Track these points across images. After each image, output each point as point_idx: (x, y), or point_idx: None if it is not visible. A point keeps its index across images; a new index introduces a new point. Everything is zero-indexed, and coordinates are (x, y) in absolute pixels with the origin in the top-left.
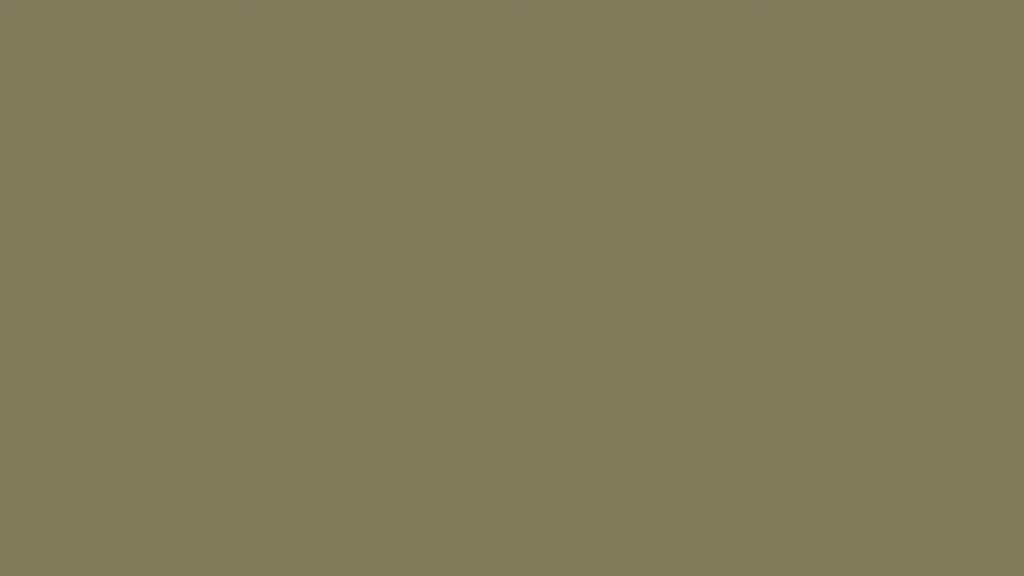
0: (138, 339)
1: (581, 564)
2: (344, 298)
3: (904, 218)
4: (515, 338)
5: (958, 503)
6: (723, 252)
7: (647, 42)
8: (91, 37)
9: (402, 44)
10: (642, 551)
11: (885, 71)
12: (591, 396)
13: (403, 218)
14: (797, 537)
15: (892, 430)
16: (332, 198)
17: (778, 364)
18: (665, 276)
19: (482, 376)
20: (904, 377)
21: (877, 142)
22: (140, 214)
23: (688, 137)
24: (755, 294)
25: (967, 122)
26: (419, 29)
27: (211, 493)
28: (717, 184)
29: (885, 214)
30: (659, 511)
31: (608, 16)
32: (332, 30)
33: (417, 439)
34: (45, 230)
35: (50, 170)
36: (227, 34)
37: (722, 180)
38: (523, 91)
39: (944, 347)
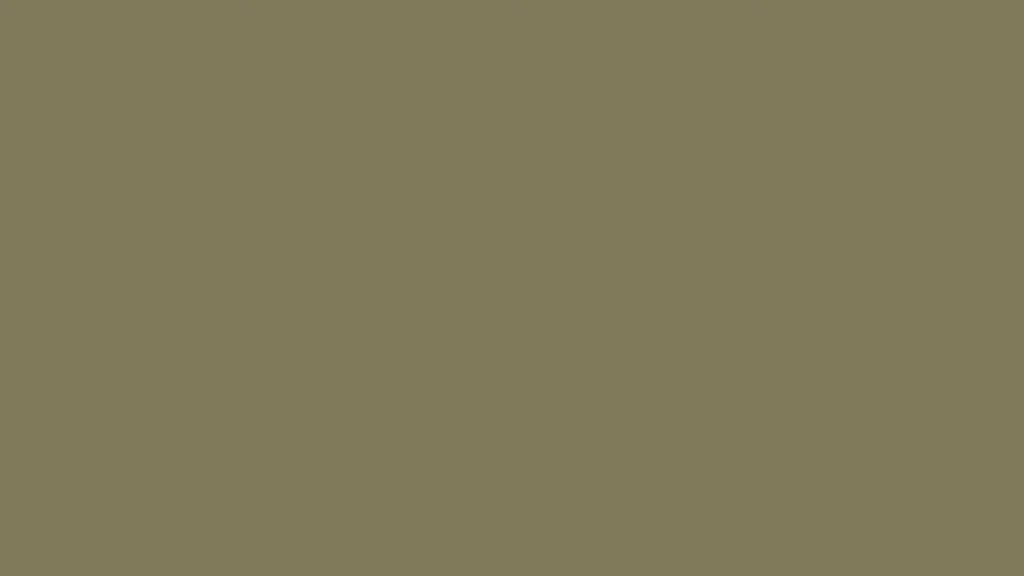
0: (138, 339)
1: (581, 564)
2: (344, 298)
3: (904, 218)
4: (515, 338)
5: (958, 503)
6: (723, 252)
7: (647, 42)
8: (91, 37)
9: (402, 44)
10: (642, 551)
11: (885, 71)
12: (591, 396)
13: (403, 218)
14: (797, 537)
15: (892, 431)
16: (332, 198)
17: (778, 365)
18: (665, 276)
19: (482, 377)
20: (904, 377)
21: (877, 142)
22: (140, 214)
23: (688, 137)
24: (755, 295)
25: (967, 122)
26: (419, 29)
27: (211, 493)
28: (717, 184)
29: (885, 214)
30: (659, 511)
31: (608, 16)
32: (332, 30)
33: (417, 439)
34: (45, 230)
35: (50, 170)
36: (227, 34)
37: (722, 180)
38: (523, 91)
39: (944, 347)
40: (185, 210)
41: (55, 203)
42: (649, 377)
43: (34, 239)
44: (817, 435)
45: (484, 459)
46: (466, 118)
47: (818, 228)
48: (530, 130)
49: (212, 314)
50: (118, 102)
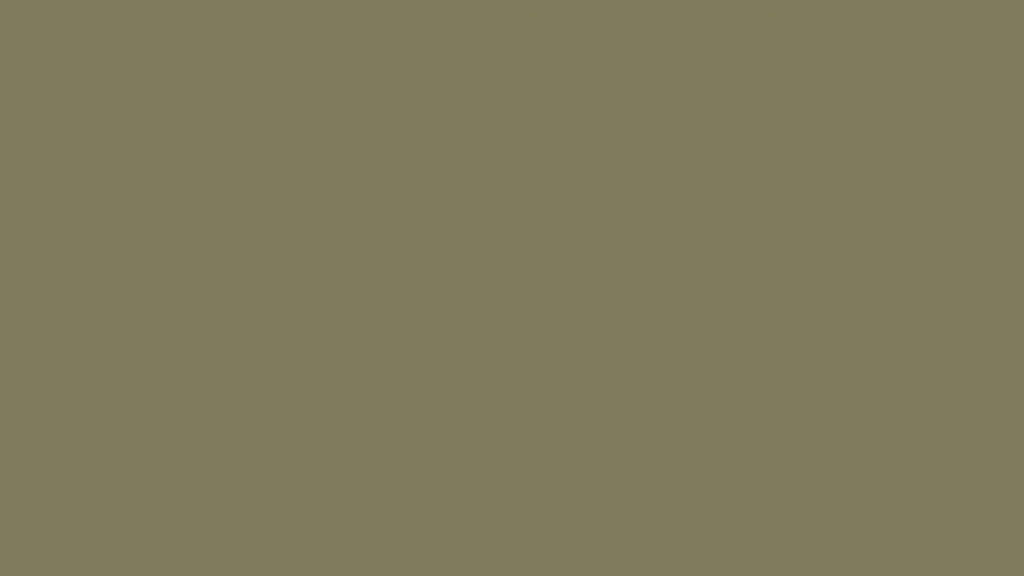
0: (138, 339)
1: (581, 564)
2: (344, 298)
3: (904, 218)
4: (515, 338)
5: (958, 503)
6: (723, 252)
7: (647, 42)
8: (91, 37)
9: (402, 44)
10: (642, 551)
11: (885, 71)
12: (591, 396)
13: (403, 218)
14: (797, 537)
15: (892, 430)
16: (332, 198)
17: (778, 364)
18: (665, 276)
19: (482, 377)
20: (904, 377)
21: (877, 142)
22: (140, 214)
23: (688, 137)
24: (755, 294)
25: (967, 122)
26: (419, 29)
27: (211, 493)
28: (717, 184)
29: (885, 214)
30: (659, 511)
31: (608, 16)
32: (332, 30)
33: (417, 439)
34: (45, 230)
35: (50, 170)
36: (227, 34)
37: (722, 180)
38: (523, 91)
39: (944, 347)
40: (185, 210)
41: (55, 203)
42: (649, 378)
43: (34, 239)
44: (817, 435)
45: (484, 459)
46: (466, 118)
47: (818, 228)
48: (530, 130)
49: (212, 314)
50: (118, 102)
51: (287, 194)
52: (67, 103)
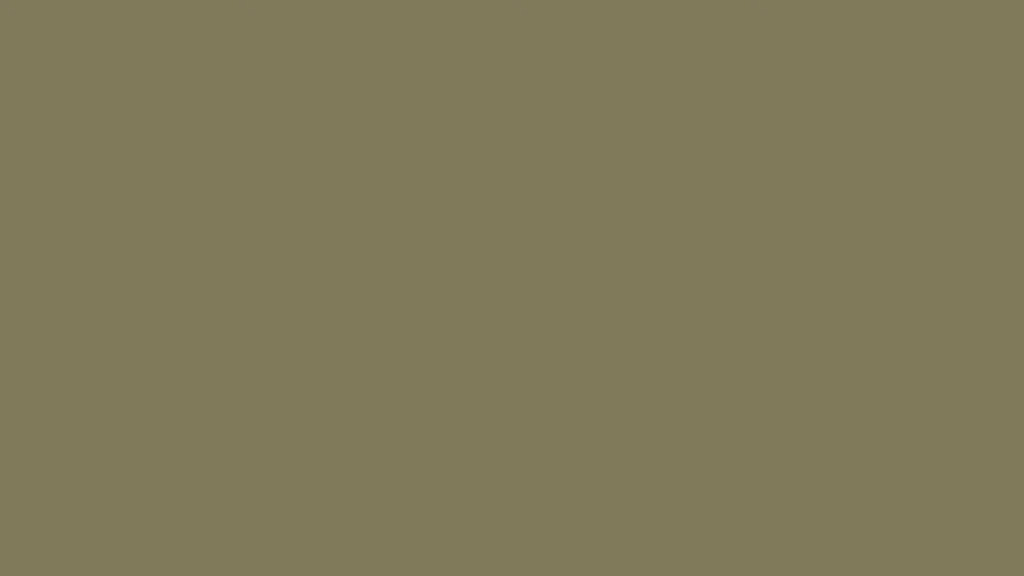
0: (138, 339)
1: (581, 564)
2: (344, 298)
3: (904, 218)
4: (515, 338)
5: (958, 503)
6: (723, 252)
7: (647, 42)
8: (91, 37)
9: (402, 44)
10: (642, 551)
11: (885, 71)
12: (591, 396)
13: (403, 218)
14: (797, 537)
15: (892, 430)
16: (332, 198)
17: (778, 364)
18: (665, 276)
19: (482, 377)
20: (904, 377)
21: (877, 142)
22: (140, 214)
23: (688, 137)
24: (755, 294)
25: (967, 122)
26: (419, 29)
27: (211, 493)
28: (717, 184)
29: (885, 214)
30: (659, 511)
31: (608, 16)
32: (332, 30)
33: (417, 439)
34: (45, 230)
35: (50, 170)
36: (227, 34)
37: (722, 180)
38: (523, 91)
39: (944, 347)
40: (185, 210)
41: (55, 203)
42: (649, 378)
43: (34, 239)
44: (817, 435)
45: (484, 459)
46: (466, 118)
47: (818, 228)
48: (530, 130)
49: (212, 314)
50: (118, 102)
51: (287, 194)
52: (67, 103)
